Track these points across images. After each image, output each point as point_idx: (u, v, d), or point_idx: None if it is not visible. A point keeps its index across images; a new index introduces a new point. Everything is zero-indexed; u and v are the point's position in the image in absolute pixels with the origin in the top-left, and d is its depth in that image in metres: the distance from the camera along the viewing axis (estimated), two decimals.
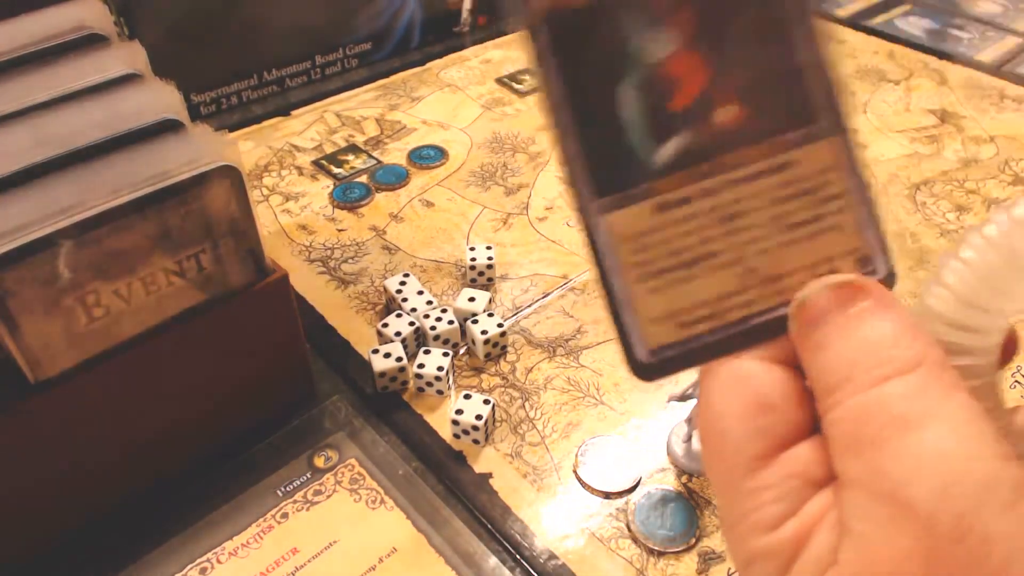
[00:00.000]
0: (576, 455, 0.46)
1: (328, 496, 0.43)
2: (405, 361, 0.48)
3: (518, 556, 0.41)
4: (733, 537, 0.19)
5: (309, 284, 0.57)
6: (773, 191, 0.20)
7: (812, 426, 0.20)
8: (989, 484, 0.16)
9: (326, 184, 0.67)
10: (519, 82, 0.82)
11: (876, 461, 0.17)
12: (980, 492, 0.16)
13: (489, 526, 0.42)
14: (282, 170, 0.69)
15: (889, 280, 0.21)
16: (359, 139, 0.73)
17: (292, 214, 0.64)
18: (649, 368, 0.21)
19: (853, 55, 0.89)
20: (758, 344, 0.20)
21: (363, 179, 0.68)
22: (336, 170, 0.69)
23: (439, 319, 0.51)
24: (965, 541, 0.16)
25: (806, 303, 0.20)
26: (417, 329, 0.51)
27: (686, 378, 0.47)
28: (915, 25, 0.96)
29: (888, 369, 0.18)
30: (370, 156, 0.71)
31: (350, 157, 0.71)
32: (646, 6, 0.20)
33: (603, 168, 0.20)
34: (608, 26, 0.20)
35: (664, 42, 0.20)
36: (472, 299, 0.53)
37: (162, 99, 0.39)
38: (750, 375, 0.20)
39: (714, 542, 0.42)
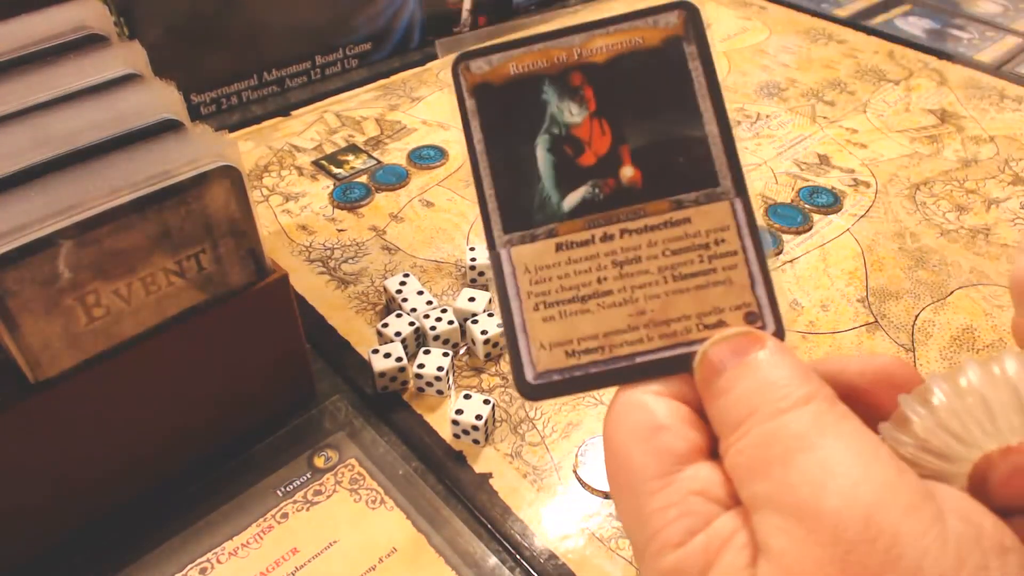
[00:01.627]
0: (576, 455, 0.46)
1: (328, 496, 0.43)
2: (405, 361, 0.48)
3: (518, 556, 0.41)
4: (644, 563, 0.20)
5: (309, 284, 0.57)
6: (668, 243, 0.23)
7: (708, 449, 0.20)
8: (890, 486, 0.17)
9: (326, 184, 0.67)
10: None
11: (783, 477, 0.18)
12: (883, 494, 0.17)
13: (489, 526, 0.42)
14: (282, 170, 0.69)
15: (778, 336, 0.22)
16: (359, 139, 0.73)
17: (292, 214, 0.64)
18: (534, 389, 0.22)
19: (853, 55, 0.89)
20: (642, 381, 0.22)
21: (363, 179, 0.68)
22: (336, 170, 0.69)
23: (439, 319, 0.51)
24: (877, 541, 0.16)
25: (708, 354, 0.21)
26: (417, 329, 0.51)
27: None
28: (915, 25, 0.96)
29: (785, 404, 0.19)
30: (370, 156, 0.71)
31: (350, 157, 0.71)
32: (559, 82, 0.23)
33: (513, 208, 0.23)
34: (525, 97, 0.24)
35: (574, 111, 0.23)
36: (472, 299, 0.53)
37: (162, 99, 0.39)
38: (641, 403, 0.21)
39: None
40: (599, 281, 0.23)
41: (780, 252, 0.61)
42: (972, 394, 0.19)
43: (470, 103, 0.24)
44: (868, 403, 0.21)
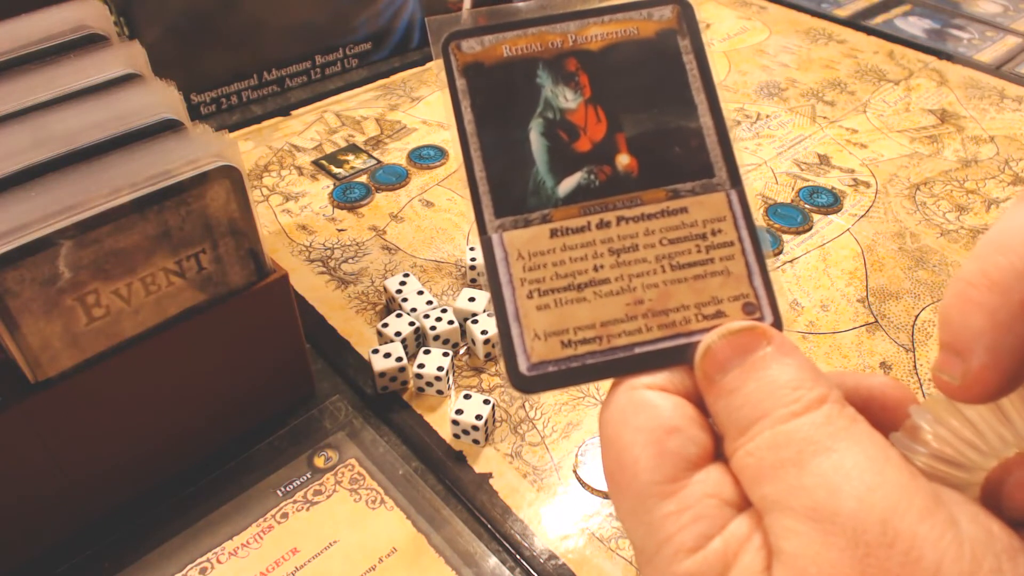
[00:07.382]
0: (576, 455, 0.46)
1: (328, 496, 0.43)
2: (405, 361, 0.48)
3: (518, 556, 0.41)
4: (652, 567, 0.19)
5: (309, 284, 0.57)
6: (665, 232, 0.22)
7: (715, 450, 0.20)
8: (905, 490, 0.17)
9: (326, 184, 0.67)
10: None
11: (797, 479, 0.18)
12: (899, 498, 0.17)
13: (489, 526, 0.42)
14: (282, 170, 0.69)
15: (776, 327, 0.22)
16: (359, 139, 0.73)
17: (292, 214, 0.64)
18: (529, 381, 0.22)
19: (853, 55, 0.89)
20: (639, 372, 0.21)
21: (363, 179, 0.68)
22: (336, 170, 0.69)
23: (439, 319, 0.51)
24: (896, 545, 0.16)
25: (711, 349, 0.20)
26: (417, 329, 0.51)
27: None
28: (915, 25, 0.96)
29: (797, 407, 0.18)
30: (370, 156, 0.71)
31: (350, 157, 0.71)
32: (554, 66, 0.23)
33: (505, 192, 0.23)
34: (519, 79, 0.23)
35: (569, 96, 0.23)
36: (472, 299, 0.53)
37: (162, 99, 0.39)
38: (647, 401, 0.20)
39: None
40: (595, 269, 0.22)
41: (780, 252, 0.61)
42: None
43: (460, 83, 0.23)
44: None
